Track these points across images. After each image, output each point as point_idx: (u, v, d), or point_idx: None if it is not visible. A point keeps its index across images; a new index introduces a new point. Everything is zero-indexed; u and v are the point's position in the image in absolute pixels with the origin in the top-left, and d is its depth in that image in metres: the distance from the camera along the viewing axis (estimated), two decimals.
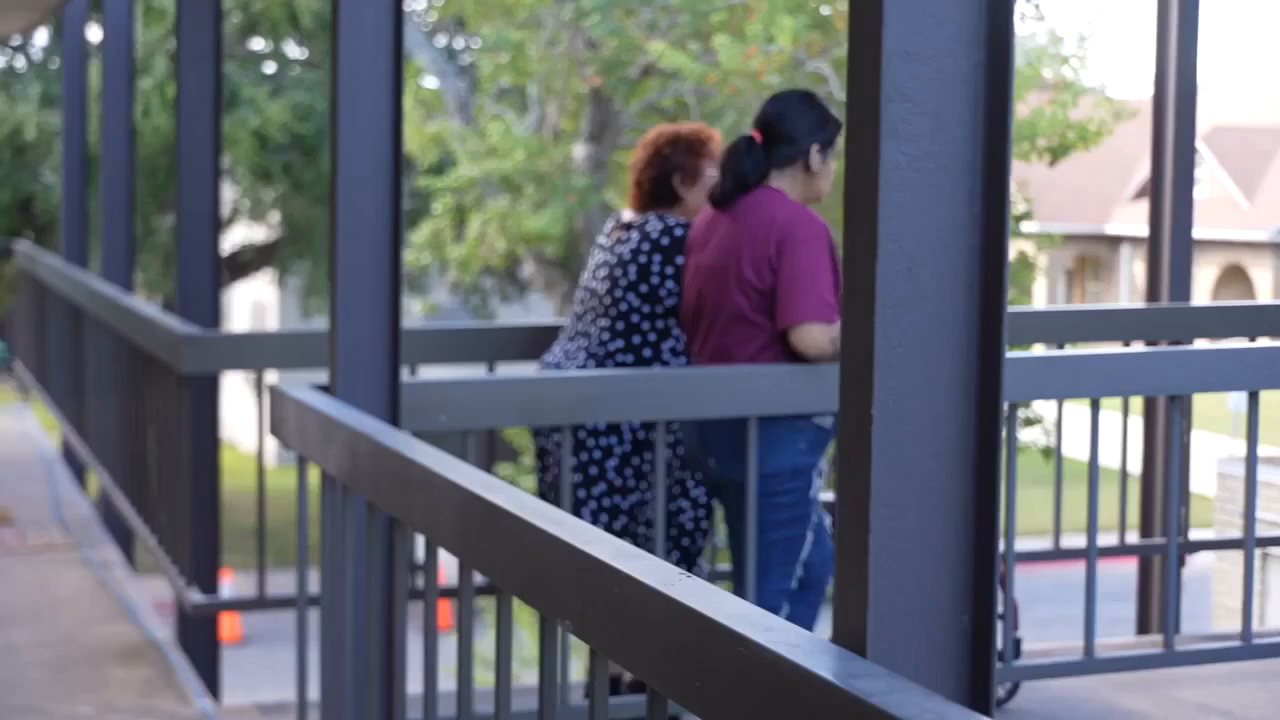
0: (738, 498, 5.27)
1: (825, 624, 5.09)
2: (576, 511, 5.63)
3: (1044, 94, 21.08)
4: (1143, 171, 43.27)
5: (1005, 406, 5.18)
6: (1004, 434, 4.40)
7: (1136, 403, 7.29)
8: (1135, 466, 7.36)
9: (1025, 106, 20.70)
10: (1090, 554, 5.58)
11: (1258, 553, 6.90)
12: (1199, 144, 40.95)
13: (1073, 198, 50.78)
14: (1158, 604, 7.59)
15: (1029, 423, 21.96)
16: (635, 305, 5.71)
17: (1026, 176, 24.49)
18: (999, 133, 2.08)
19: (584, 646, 2.50)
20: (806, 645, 1.96)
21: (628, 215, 5.85)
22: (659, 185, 5.76)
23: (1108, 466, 6.11)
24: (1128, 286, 51.56)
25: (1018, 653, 5.72)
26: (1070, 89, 21.18)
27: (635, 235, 5.73)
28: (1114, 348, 6.98)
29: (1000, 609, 5.50)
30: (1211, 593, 22.54)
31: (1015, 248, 24.92)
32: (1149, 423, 7.47)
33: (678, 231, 5.67)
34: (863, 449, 2.05)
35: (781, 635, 1.99)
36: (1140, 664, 5.98)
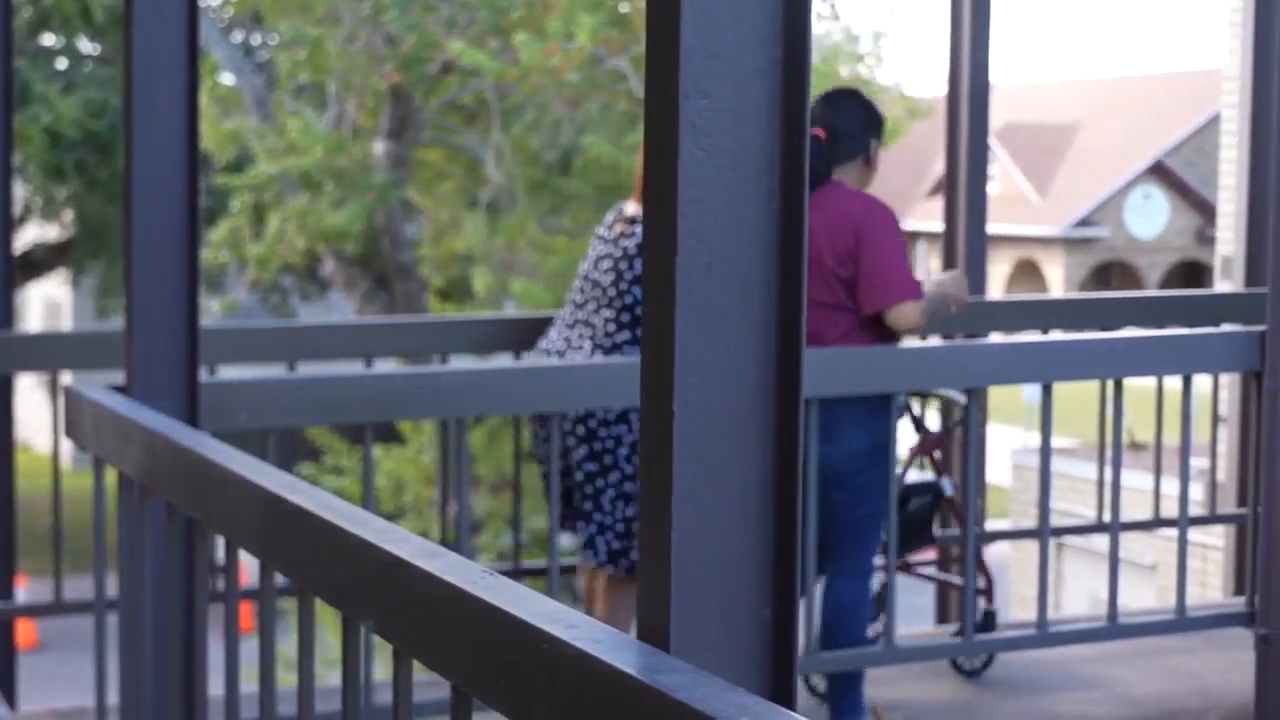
0: (830, 477, 5.48)
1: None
2: (596, 501, 5.78)
3: None
4: (938, 168, 43.86)
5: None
6: (803, 429, 4.43)
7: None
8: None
9: None
10: (890, 546, 5.65)
11: (1052, 542, 7.02)
12: (992, 141, 41.41)
13: (873, 193, 51.32)
14: (956, 594, 7.69)
15: None
16: (640, 298, 5.62)
17: None
18: (796, 130, 2.10)
19: (388, 646, 2.48)
20: (610, 641, 1.96)
21: (631, 208, 5.97)
22: None
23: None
24: (928, 281, 52.17)
25: (993, 626, 5.93)
26: (866, 87, 21.41)
27: (640, 229, 5.69)
28: (911, 342, 7.07)
29: (980, 584, 5.95)
30: (1008, 582, 22.90)
31: None
32: (946, 416, 7.58)
33: None
34: (664, 444, 2.06)
35: (585, 631, 2.00)
36: (939, 652, 6.08)
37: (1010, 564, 22.71)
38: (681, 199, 2.03)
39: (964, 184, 7.79)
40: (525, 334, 7.19)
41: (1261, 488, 5.66)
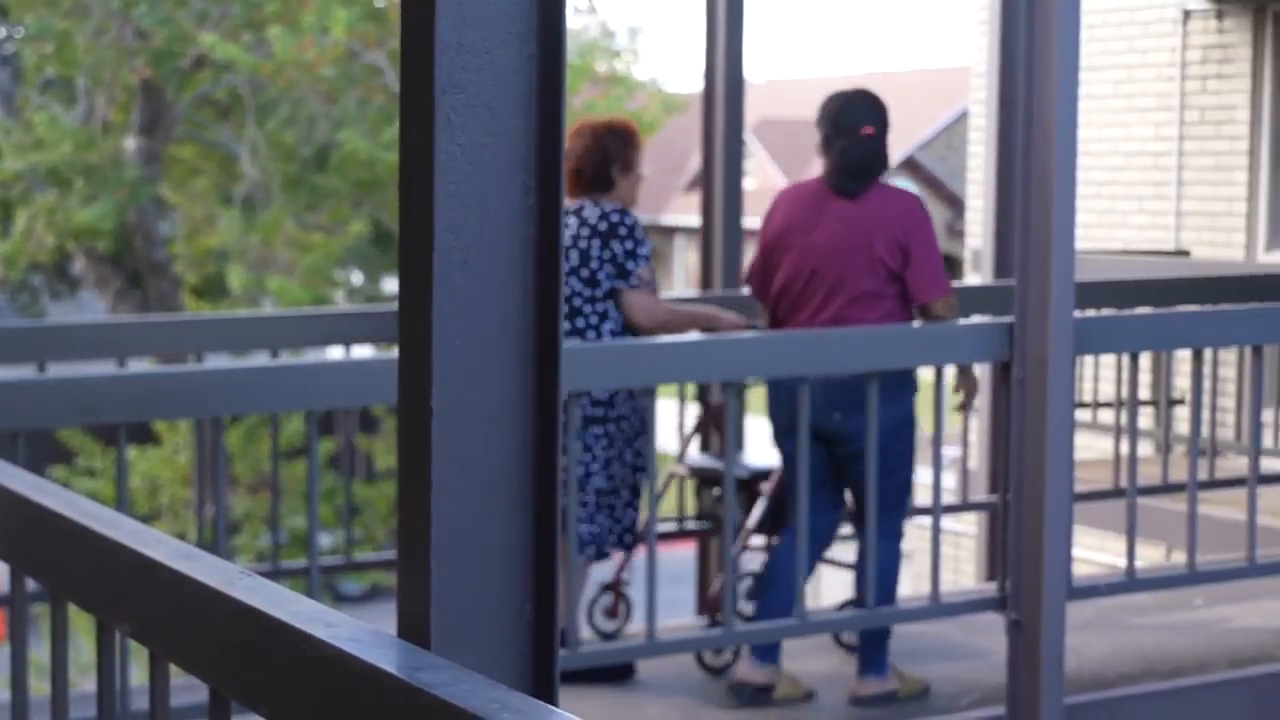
0: (857, 447, 5.87)
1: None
2: (587, 474, 6.03)
3: (598, 87, 21.36)
4: (695, 164, 44.16)
5: (564, 395, 5.24)
6: (563, 423, 4.44)
7: (693, 389, 7.45)
8: (695, 452, 7.52)
9: (579, 100, 20.94)
10: (650, 538, 5.68)
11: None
12: (747, 137, 41.85)
13: None
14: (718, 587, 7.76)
15: None
16: (577, 289, 6.00)
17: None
18: (552, 125, 2.10)
19: (145, 650, 2.44)
20: (369, 640, 1.95)
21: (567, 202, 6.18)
22: (599, 172, 6.12)
23: (666, 453, 6.24)
24: (682, 276, 52.57)
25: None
26: (623, 83, 21.50)
27: (573, 222, 6.05)
28: (671, 336, 7.11)
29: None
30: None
31: None
32: (705, 408, 7.63)
33: (614, 217, 6.04)
34: (422, 441, 2.05)
35: (344, 631, 1.98)
36: (701, 644, 6.12)
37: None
38: (438, 194, 2.03)
39: (720, 179, 7.86)
40: (282, 332, 7.12)
41: (1012, 475, 5.79)
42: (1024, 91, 5.69)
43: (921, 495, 7.48)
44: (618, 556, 6.40)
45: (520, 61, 2.06)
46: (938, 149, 50.65)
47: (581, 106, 20.19)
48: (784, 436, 6.05)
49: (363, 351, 7.08)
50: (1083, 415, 9.06)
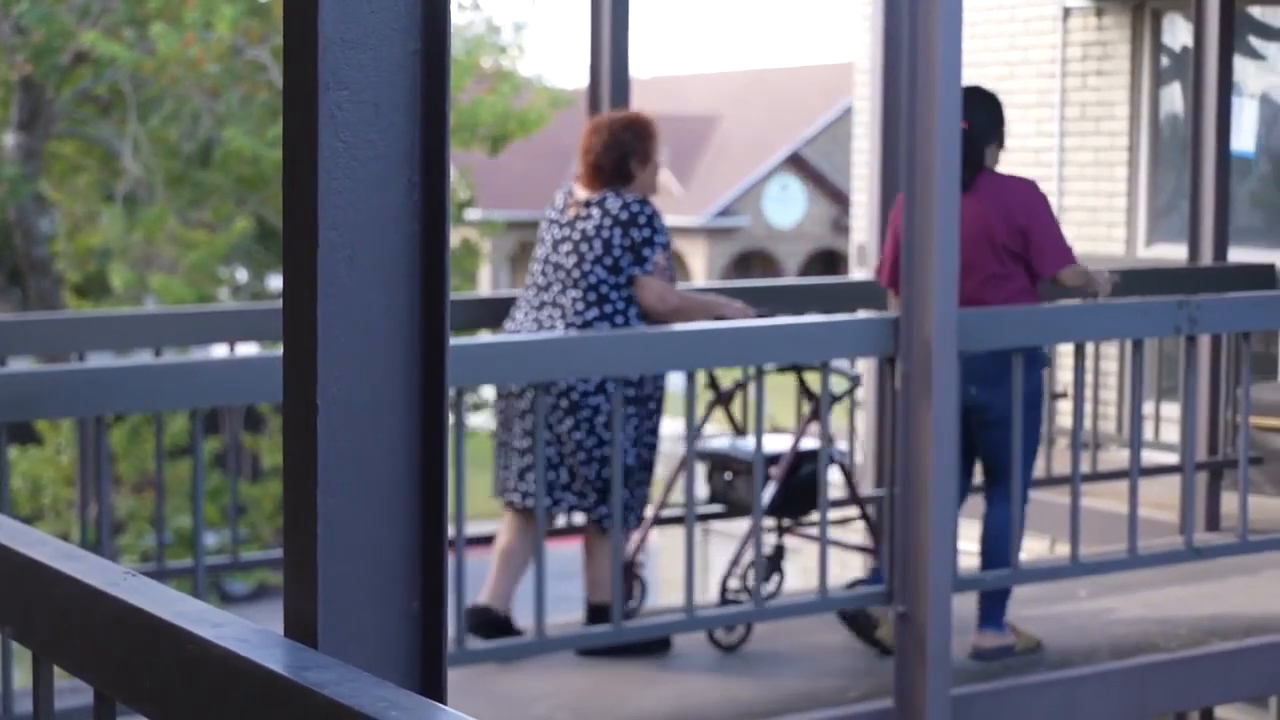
0: (994, 418, 6.34)
1: None
2: (570, 464, 6.32)
3: (483, 83, 21.32)
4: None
5: (452, 392, 5.23)
6: (451, 419, 4.43)
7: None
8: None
9: (465, 95, 20.88)
10: (538, 535, 5.68)
11: (698, 528, 7.15)
12: None
13: (515, 185, 51.49)
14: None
15: (477, 407, 22.17)
16: (603, 277, 6.35)
17: (469, 164, 24.69)
18: (437, 121, 2.09)
19: (28, 652, 2.41)
20: (256, 639, 1.94)
21: (581, 192, 6.49)
22: (618, 166, 6.45)
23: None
24: None
25: (881, 580, 6.28)
26: (509, 78, 21.46)
27: (597, 212, 6.39)
28: (556, 333, 7.12)
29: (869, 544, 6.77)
30: (656, 567, 23.19)
31: (459, 235, 25.13)
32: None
33: (634, 207, 6.38)
34: (308, 438, 2.04)
35: (231, 630, 1.97)
36: (588, 640, 6.12)
37: (658, 550, 23.01)
38: (322, 191, 2.02)
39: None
40: (166, 330, 7.06)
41: (897, 469, 5.83)
42: (907, 88, 5.73)
43: None
44: (633, 536, 6.66)
45: (404, 57, 2.06)
46: (822, 145, 50.91)
47: (468, 103, 20.15)
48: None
49: (248, 349, 7.03)
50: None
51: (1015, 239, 6.40)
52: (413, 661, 2.11)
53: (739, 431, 7.06)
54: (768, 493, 6.47)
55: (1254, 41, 11.73)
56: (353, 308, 2.04)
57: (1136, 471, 6.59)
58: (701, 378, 7.08)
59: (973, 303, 6.24)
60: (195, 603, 2.07)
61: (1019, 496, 6.36)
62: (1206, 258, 9.02)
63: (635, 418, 6.36)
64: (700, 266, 50.92)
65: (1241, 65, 11.08)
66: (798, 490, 6.56)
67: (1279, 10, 11.31)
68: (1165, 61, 12.07)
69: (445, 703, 1.96)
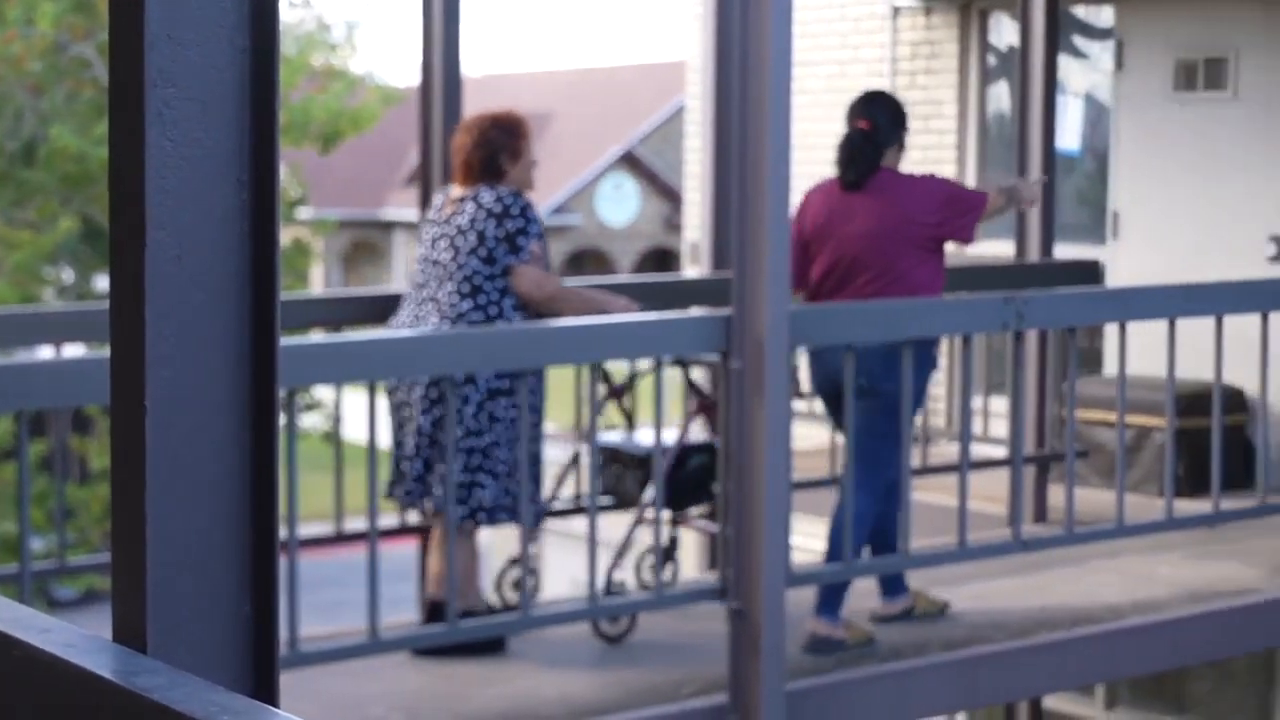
0: (875, 406, 6.50)
1: None
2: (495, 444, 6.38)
3: (315, 81, 21.16)
4: (414, 158, 44.00)
5: (283, 392, 5.19)
6: (283, 420, 4.38)
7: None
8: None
9: (296, 93, 20.72)
10: (371, 536, 5.65)
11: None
12: None
13: (347, 183, 51.16)
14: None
15: (309, 408, 22.01)
16: (478, 268, 6.46)
17: (300, 163, 24.50)
18: (267, 119, 2.07)
19: None
20: (84, 644, 1.91)
21: (456, 190, 6.64)
22: (487, 164, 6.58)
23: (388, 449, 6.24)
24: (402, 271, 52.33)
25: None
26: (340, 76, 21.32)
27: (470, 206, 6.52)
28: (390, 331, 7.08)
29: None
30: (490, 566, 23.13)
31: (290, 234, 24.93)
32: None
33: (507, 200, 6.50)
34: (136, 441, 2.01)
35: (58, 636, 1.94)
36: (421, 640, 6.10)
37: (492, 548, 22.95)
38: (149, 190, 1.99)
39: (438, 173, 7.83)
40: None
41: (731, 465, 5.86)
42: (739, 86, 5.76)
43: None
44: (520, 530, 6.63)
45: (233, 54, 2.04)
46: (654, 143, 51.07)
47: (299, 101, 19.99)
48: (832, 401, 6.76)
49: (74, 350, 6.93)
50: (800, 405, 9.20)
51: (929, 230, 6.68)
52: (244, 665, 2.09)
53: (631, 426, 7.19)
54: (651, 487, 6.56)
55: (1078, 41, 11.92)
56: (181, 308, 2.01)
57: (966, 465, 6.67)
58: (586, 373, 7.17)
59: (901, 281, 6.65)
60: (21, 608, 2.04)
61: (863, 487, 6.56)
62: (1033, 254, 9.15)
63: (514, 409, 6.40)
64: None
65: (1066, 64, 11.25)
66: (685, 483, 6.76)
67: (1102, 10, 11.50)
68: (992, 61, 12.24)
69: (278, 706, 1.94)
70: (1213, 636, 7.26)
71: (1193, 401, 9.10)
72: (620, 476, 6.91)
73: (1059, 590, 7.43)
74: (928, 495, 8.70)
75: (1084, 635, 6.84)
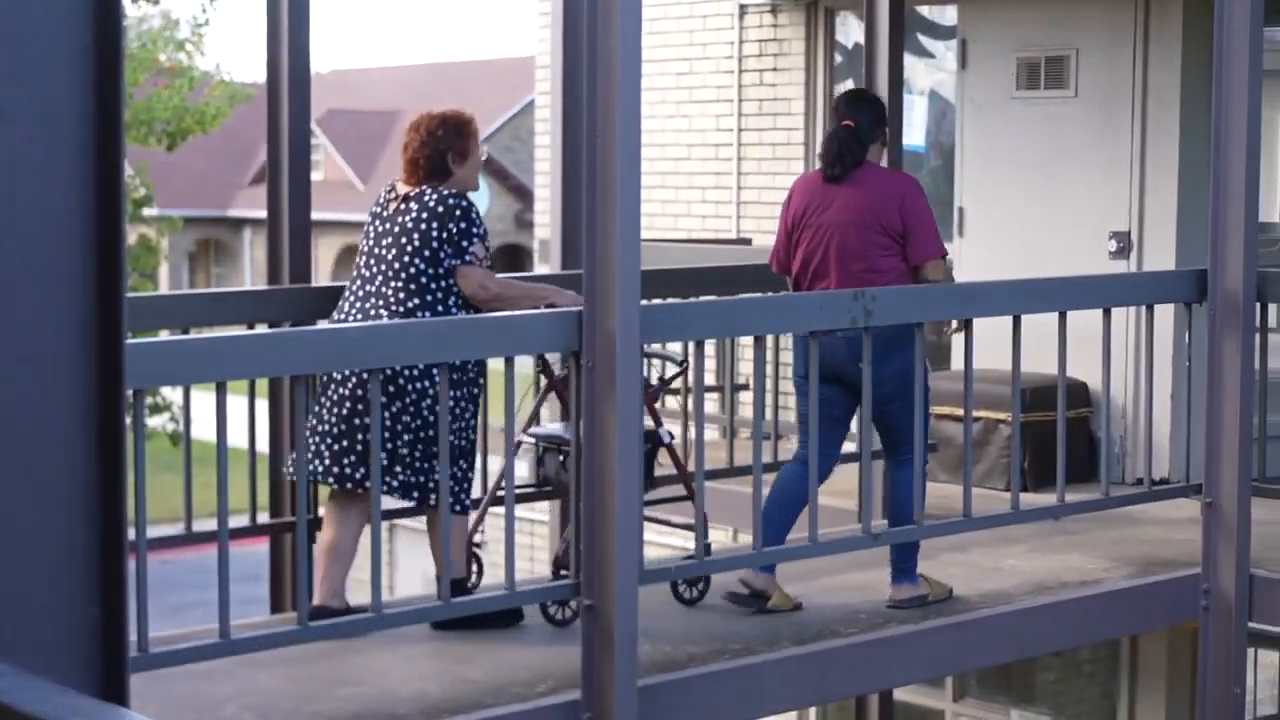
0: (880, 393, 6.90)
1: None
2: (394, 445, 6.49)
3: (160, 78, 20.93)
4: (261, 155, 43.67)
5: (130, 393, 5.14)
6: (129, 421, 4.34)
7: (263, 383, 7.37)
8: (264, 446, 7.44)
9: (141, 91, 20.48)
10: (221, 536, 5.61)
11: (385, 524, 7.12)
12: (314, 127, 41.45)
13: (194, 182, 50.63)
14: (291, 581, 7.69)
15: (156, 409, 21.78)
16: (422, 269, 6.58)
17: (146, 161, 24.22)
18: (111, 117, 2.06)
19: None
20: None
21: (402, 187, 6.74)
22: (434, 163, 6.70)
23: (237, 448, 6.17)
24: (251, 269, 51.88)
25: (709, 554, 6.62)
26: (186, 73, 21.11)
27: (415, 206, 6.64)
28: (239, 330, 7.03)
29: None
30: (351, 566, 23.01)
31: (136, 232, 24.65)
32: (275, 403, 7.56)
33: (449, 201, 6.62)
34: None
35: None
36: (275, 642, 6.05)
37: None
38: None
39: (286, 171, 7.77)
40: None
41: (583, 461, 5.87)
42: (588, 83, 5.77)
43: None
44: (471, 517, 6.85)
45: (76, 53, 2.02)
46: (504, 140, 50.94)
47: (144, 99, 19.76)
48: (804, 385, 6.96)
49: None
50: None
51: (894, 223, 7.08)
52: (93, 666, 2.07)
53: (566, 415, 7.14)
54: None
55: (923, 40, 12.05)
56: (24, 308, 1.99)
57: (816, 460, 6.72)
58: (523, 364, 7.33)
59: (856, 285, 6.94)
60: None
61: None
62: None
63: (457, 400, 6.53)
64: None
65: (911, 63, 11.37)
66: None
67: (946, 9, 11.64)
68: (839, 58, 12.34)
69: (129, 706, 1.93)
70: (1058, 627, 7.37)
71: (1037, 396, 9.23)
72: (564, 464, 6.95)
73: None
74: (745, 487, 8.76)
75: (933, 627, 6.91)
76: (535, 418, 7.16)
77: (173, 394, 19.54)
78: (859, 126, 7.20)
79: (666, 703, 6.09)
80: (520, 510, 6.88)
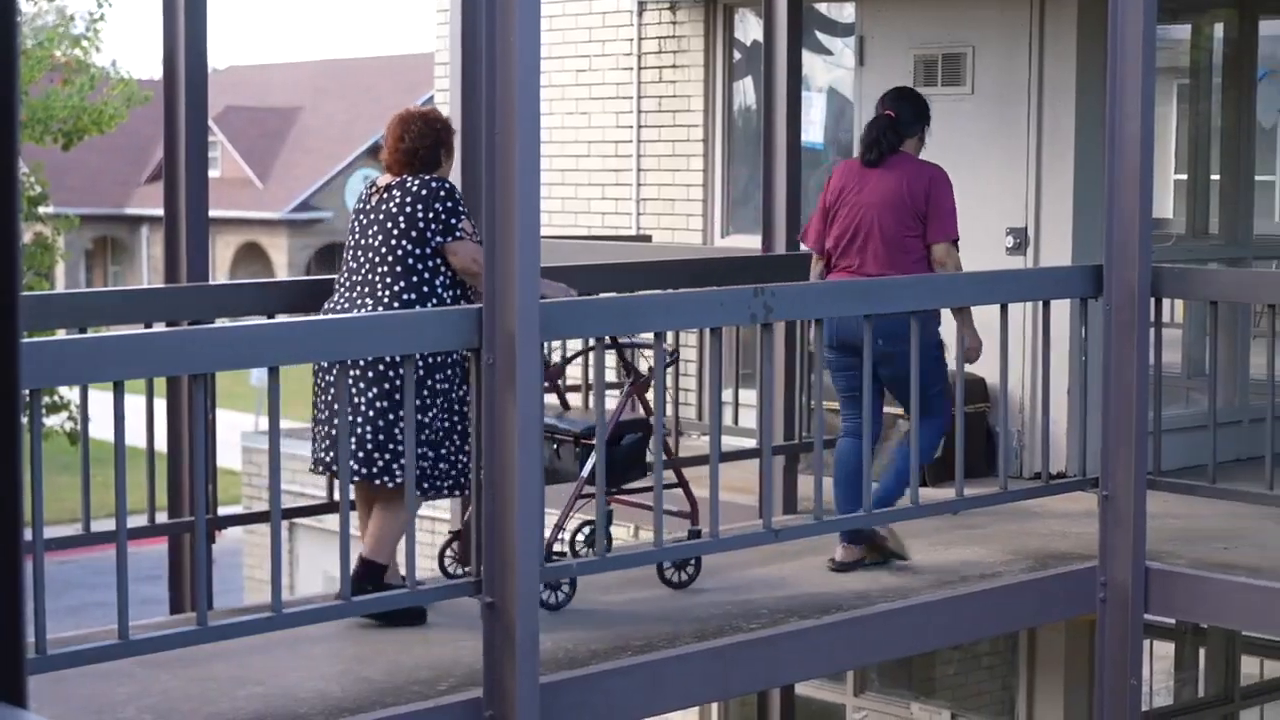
0: (901, 366, 7.38)
1: None
2: (390, 431, 6.62)
3: (56, 75, 20.74)
4: (158, 153, 43.31)
5: (26, 393, 5.09)
6: (26, 421, 4.30)
7: (161, 383, 7.33)
8: (162, 446, 7.39)
9: (37, 88, 20.29)
10: (120, 536, 5.57)
11: (285, 523, 7.10)
12: (212, 124, 41.15)
13: (91, 180, 50.19)
14: (190, 582, 7.64)
15: (53, 409, 21.58)
16: (410, 250, 6.80)
17: (41, 160, 24.01)
18: (5, 115, 2.04)
19: None
20: None
21: (383, 180, 7.01)
22: (432, 153, 6.99)
23: (135, 447, 6.13)
24: (148, 267, 51.50)
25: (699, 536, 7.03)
26: (83, 70, 20.92)
27: (398, 193, 6.88)
28: (136, 329, 6.98)
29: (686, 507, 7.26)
30: (243, 566, 22.87)
31: (32, 231, 24.41)
32: (173, 402, 7.51)
33: (433, 184, 6.87)
34: None
35: None
36: (175, 642, 6.01)
37: (244, 547, 22.68)
38: None
39: (184, 169, 7.73)
40: None
41: (484, 459, 5.87)
42: (486, 80, 5.77)
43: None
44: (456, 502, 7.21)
45: None
46: None
47: (40, 96, 19.56)
48: (841, 360, 7.61)
49: None
50: (551, 399, 9.24)
51: (921, 203, 7.71)
52: None
53: (566, 406, 7.58)
54: (590, 462, 6.91)
55: (821, 37, 12.11)
56: None
57: (717, 456, 6.75)
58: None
59: (890, 265, 7.61)
60: None
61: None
62: (780, 246, 9.27)
63: (445, 382, 6.72)
64: (281, 260, 50.34)
65: (810, 60, 11.42)
66: (620, 459, 7.13)
67: (844, 7, 11.70)
68: (738, 56, 12.38)
69: (27, 708, 1.91)
70: (958, 621, 7.43)
71: None
72: (557, 453, 7.25)
73: (808, 580, 7.54)
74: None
75: (833, 622, 6.95)
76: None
77: (70, 393, 19.37)
78: (899, 118, 7.84)
79: (568, 700, 6.09)
80: (420, 509, 6.85)
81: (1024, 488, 8.42)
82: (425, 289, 6.78)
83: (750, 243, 11.00)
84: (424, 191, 6.86)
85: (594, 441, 6.65)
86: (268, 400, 5.85)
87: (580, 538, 7.49)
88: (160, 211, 8.03)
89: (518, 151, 5.68)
